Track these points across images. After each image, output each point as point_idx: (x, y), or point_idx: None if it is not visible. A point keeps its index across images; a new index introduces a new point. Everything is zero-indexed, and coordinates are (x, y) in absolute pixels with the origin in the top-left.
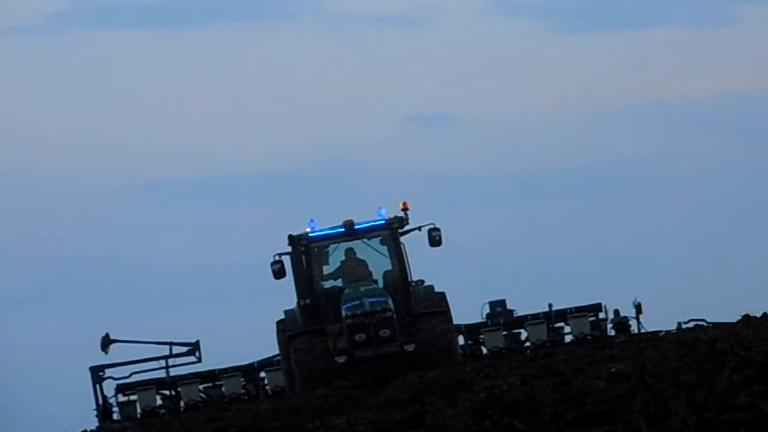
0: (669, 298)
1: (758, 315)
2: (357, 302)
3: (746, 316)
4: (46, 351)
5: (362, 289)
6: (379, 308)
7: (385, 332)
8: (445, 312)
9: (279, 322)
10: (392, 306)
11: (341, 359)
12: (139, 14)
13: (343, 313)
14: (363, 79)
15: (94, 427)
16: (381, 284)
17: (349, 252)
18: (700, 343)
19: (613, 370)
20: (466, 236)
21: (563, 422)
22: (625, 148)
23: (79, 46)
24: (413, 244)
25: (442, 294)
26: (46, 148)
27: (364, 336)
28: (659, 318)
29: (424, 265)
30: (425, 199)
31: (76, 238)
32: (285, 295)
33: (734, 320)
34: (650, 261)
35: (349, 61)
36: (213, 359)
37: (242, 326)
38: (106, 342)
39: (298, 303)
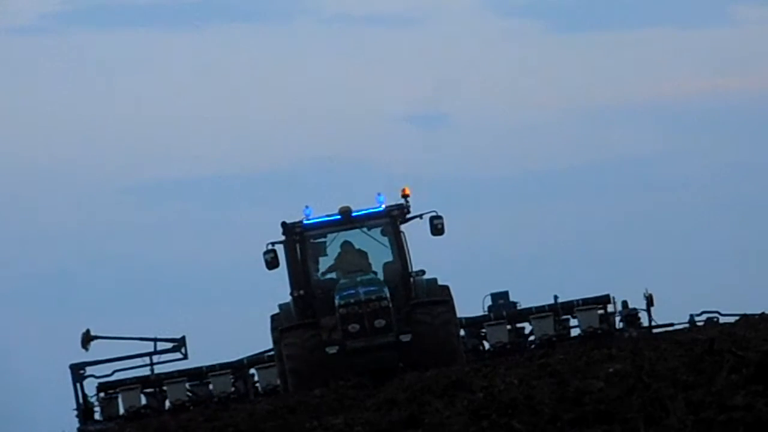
0: (681, 289)
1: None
2: (351, 291)
3: (744, 316)
4: (24, 348)
5: (358, 279)
6: (373, 297)
7: (380, 322)
8: (447, 302)
9: (273, 317)
10: (388, 294)
11: (332, 350)
12: (133, 14)
13: (336, 302)
14: (359, 79)
15: (75, 429)
16: (381, 276)
17: (347, 241)
18: (697, 342)
19: (611, 370)
20: (466, 229)
21: (561, 422)
22: (621, 147)
23: (72, 46)
24: (409, 234)
25: (446, 287)
26: (41, 149)
27: (357, 326)
28: (671, 310)
29: (421, 255)
30: (422, 199)
31: (61, 236)
32: (278, 289)
33: (748, 313)
34: (661, 251)
35: (346, 61)
36: (200, 356)
37: (231, 321)
38: (87, 338)
39: (292, 294)
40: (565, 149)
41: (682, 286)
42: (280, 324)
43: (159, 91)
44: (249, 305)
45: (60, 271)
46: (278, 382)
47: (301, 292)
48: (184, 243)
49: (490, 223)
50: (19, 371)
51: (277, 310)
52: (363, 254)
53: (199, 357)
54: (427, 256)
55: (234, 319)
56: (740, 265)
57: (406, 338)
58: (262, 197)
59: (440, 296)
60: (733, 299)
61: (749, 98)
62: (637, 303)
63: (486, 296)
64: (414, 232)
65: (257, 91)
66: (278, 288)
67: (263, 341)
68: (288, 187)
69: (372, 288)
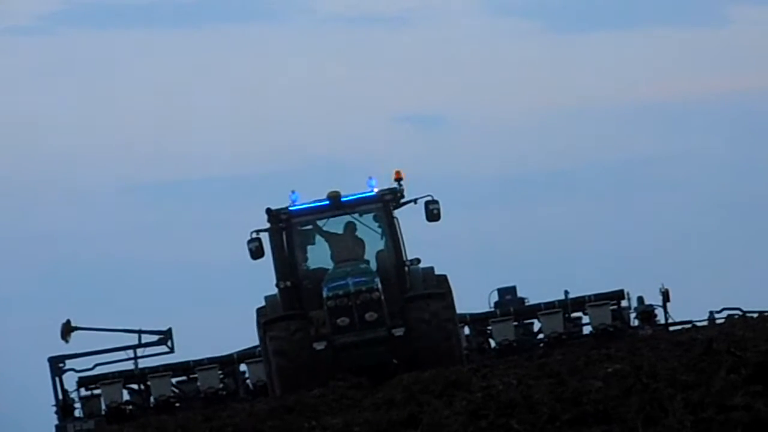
0: (700, 284)
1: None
2: (340, 282)
3: (743, 316)
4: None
5: (348, 268)
6: (363, 288)
7: (371, 315)
8: (444, 294)
9: (259, 310)
10: (380, 286)
11: (320, 346)
12: (129, 15)
13: (324, 294)
14: (355, 80)
15: (53, 427)
16: (373, 265)
17: (336, 228)
18: (696, 343)
19: (609, 370)
20: (471, 223)
21: (560, 422)
22: (616, 148)
23: (69, 47)
24: (406, 222)
25: (443, 276)
26: (36, 149)
27: (347, 320)
28: (689, 307)
29: (424, 248)
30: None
31: (59, 235)
32: (270, 280)
33: None
34: (678, 245)
35: (341, 61)
36: (187, 350)
37: (220, 313)
38: (67, 329)
39: (278, 285)
40: (564, 149)
41: (701, 281)
42: (265, 317)
43: (151, 92)
44: (239, 297)
45: (43, 263)
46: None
47: (288, 283)
48: (173, 237)
49: (496, 218)
50: None
51: (263, 303)
52: (353, 241)
53: (185, 351)
54: (430, 249)
55: (223, 311)
56: (762, 260)
57: (398, 332)
58: (254, 198)
59: (437, 287)
60: (755, 295)
61: (742, 98)
62: (653, 298)
63: (492, 291)
64: (414, 224)
65: (254, 92)
66: (270, 278)
67: (254, 335)
68: (281, 189)
69: (362, 278)
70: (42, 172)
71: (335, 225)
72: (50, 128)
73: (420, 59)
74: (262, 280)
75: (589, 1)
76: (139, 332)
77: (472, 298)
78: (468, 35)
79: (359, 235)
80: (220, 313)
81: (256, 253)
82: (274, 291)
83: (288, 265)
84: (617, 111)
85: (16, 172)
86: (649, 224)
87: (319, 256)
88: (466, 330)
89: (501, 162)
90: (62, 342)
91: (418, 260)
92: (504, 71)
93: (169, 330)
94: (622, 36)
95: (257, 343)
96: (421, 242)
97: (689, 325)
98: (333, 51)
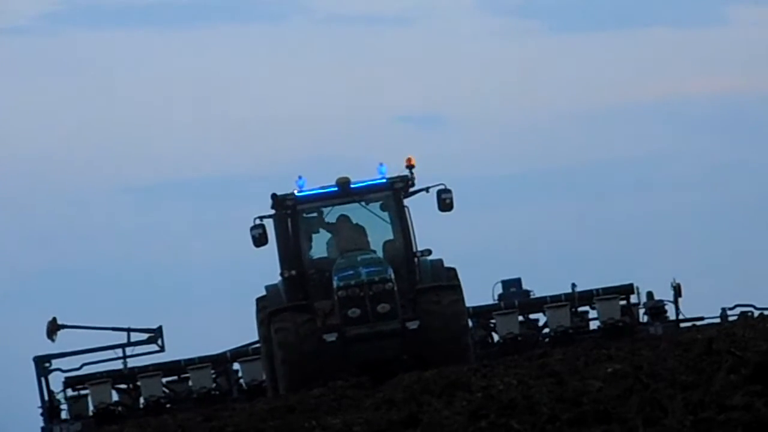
0: (713, 279)
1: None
2: (351, 272)
3: (743, 315)
4: None
5: (358, 258)
6: (376, 278)
7: (383, 307)
8: (456, 287)
9: (259, 299)
10: (393, 277)
11: (331, 338)
12: (128, 15)
13: (335, 284)
14: (354, 79)
15: (39, 429)
16: (381, 255)
17: (344, 217)
18: (696, 343)
19: (609, 370)
20: (476, 212)
21: (560, 422)
22: (613, 148)
23: (69, 47)
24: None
25: (453, 269)
26: (34, 149)
27: (358, 311)
28: (701, 302)
29: (427, 237)
30: (419, 198)
31: (39, 231)
32: (265, 276)
33: None
34: (690, 239)
35: (340, 61)
36: (177, 348)
37: (212, 310)
38: (53, 328)
39: (282, 275)
40: (564, 148)
41: (713, 277)
42: (268, 306)
43: (150, 93)
44: (231, 294)
45: (28, 260)
46: (264, 377)
47: (293, 272)
48: (163, 235)
49: (501, 212)
50: None
51: (263, 293)
52: (362, 230)
53: (176, 349)
54: (433, 238)
55: (215, 309)
56: None
57: (413, 326)
58: (253, 199)
59: (447, 280)
60: None
61: (740, 98)
62: (664, 294)
63: (496, 283)
64: (418, 211)
65: (252, 92)
66: (265, 274)
67: (248, 332)
68: (279, 190)
69: (374, 268)
70: (37, 171)
71: (336, 214)
72: (49, 128)
73: (420, 59)
74: (256, 276)
75: (588, 1)
76: (128, 330)
77: (475, 290)
78: (468, 35)
79: (361, 224)
80: (211, 310)
81: (260, 240)
82: (271, 283)
83: (293, 253)
84: (617, 110)
85: (13, 171)
86: (659, 218)
87: (323, 244)
88: (469, 323)
89: (503, 160)
90: (48, 341)
91: (429, 251)
92: (504, 71)
93: (159, 328)
94: (621, 36)
95: (251, 340)
96: (424, 234)
97: (700, 322)
98: (333, 51)
